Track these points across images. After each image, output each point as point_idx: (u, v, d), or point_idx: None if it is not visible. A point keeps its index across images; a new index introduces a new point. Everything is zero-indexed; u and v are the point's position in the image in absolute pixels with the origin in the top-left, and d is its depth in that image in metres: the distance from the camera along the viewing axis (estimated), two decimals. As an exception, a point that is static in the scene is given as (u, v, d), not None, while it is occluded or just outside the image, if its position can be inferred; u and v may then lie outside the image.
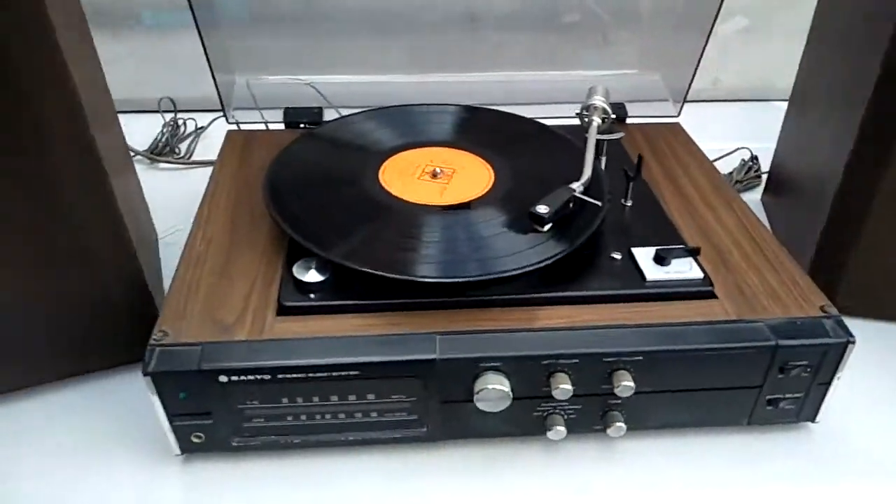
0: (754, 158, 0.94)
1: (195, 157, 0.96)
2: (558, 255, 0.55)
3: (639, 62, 0.87)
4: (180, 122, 1.00)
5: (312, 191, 0.62)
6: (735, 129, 1.07)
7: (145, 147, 0.96)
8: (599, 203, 0.58)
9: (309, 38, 0.86)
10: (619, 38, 0.86)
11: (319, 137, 0.71)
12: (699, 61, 0.79)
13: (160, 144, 0.95)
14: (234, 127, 0.80)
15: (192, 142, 0.99)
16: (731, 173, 0.92)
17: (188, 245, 0.60)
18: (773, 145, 0.86)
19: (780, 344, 0.52)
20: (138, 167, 0.94)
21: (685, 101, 0.83)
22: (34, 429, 0.58)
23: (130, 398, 0.60)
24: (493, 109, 0.77)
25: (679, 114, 0.84)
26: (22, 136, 0.48)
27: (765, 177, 0.92)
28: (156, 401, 0.49)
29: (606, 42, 0.86)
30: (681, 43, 0.82)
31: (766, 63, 1.15)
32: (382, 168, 0.65)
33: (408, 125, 0.73)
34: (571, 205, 0.58)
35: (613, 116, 0.71)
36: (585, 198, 0.58)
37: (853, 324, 0.54)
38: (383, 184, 0.63)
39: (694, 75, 0.80)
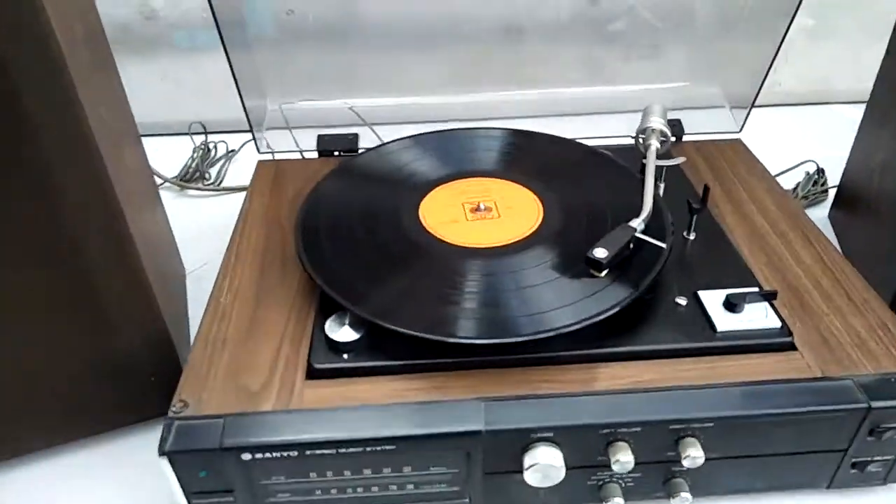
0: (820, 171, 0.86)
1: (227, 183, 0.93)
2: (618, 307, 0.49)
3: (696, 73, 0.81)
4: (211, 145, 0.96)
5: (346, 234, 0.58)
6: (797, 136, 0.99)
7: (175, 173, 0.92)
8: (663, 245, 0.52)
9: (343, 56, 0.82)
10: (674, 47, 0.79)
11: (354, 171, 0.67)
12: (768, 71, 0.72)
13: (190, 170, 0.92)
14: (265, 156, 0.76)
15: (223, 166, 0.95)
16: (795, 188, 0.85)
17: (213, 296, 0.56)
18: (838, 153, 0.79)
19: (873, 406, 0.46)
20: (167, 195, 0.91)
21: (749, 115, 0.75)
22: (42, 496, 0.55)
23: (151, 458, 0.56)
24: (540, 133, 0.71)
25: (741, 129, 0.77)
26: (23, 172, 0.44)
27: (832, 191, 0.84)
28: (173, 480, 0.45)
29: (660, 52, 0.79)
30: (746, 50, 0.75)
31: (826, 64, 1.07)
32: (422, 204, 0.60)
33: (448, 153, 0.68)
34: (631, 245, 0.53)
35: (673, 139, 0.65)
36: (648, 238, 0.52)
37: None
38: (423, 222, 0.58)
39: (761, 87, 0.73)
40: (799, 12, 0.96)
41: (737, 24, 0.77)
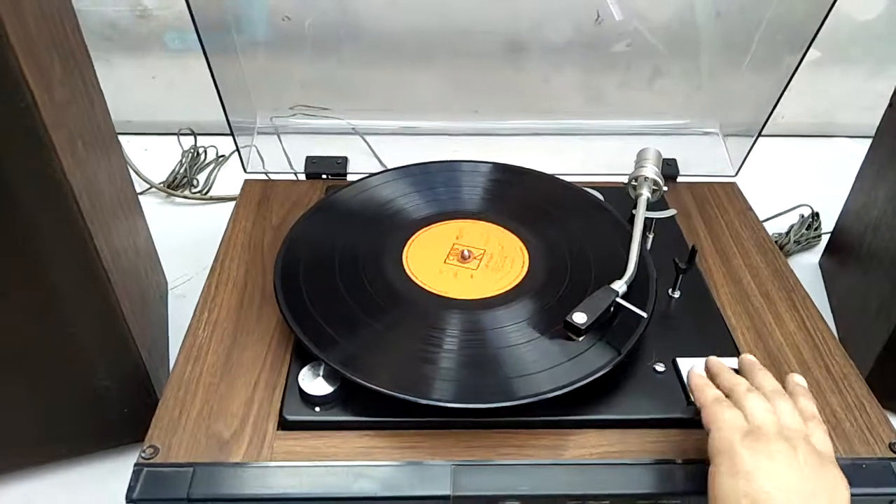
0: (815, 216, 0.85)
1: (215, 191, 0.92)
2: (593, 377, 0.48)
3: (696, 109, 0.80)
4: (201, 149, 0.95)
5: (326, 278, 0.57)
6: (798, 170, 0.99)
7: (164, 177, 0.91)
8: (644, 314, 0.51)
9: (339, 68, 0.80)
10: (675, 80, 0.79)
11: (337, 207, 0.65)
12: (771, 112, 0.71)
13: (178, 175, 0.91)
14: (251, 176, 0.75)
15: (212, 171, 0.94)
16: (789, 230, 0.85)
17: (191, 328, 0.55)
18: (838, 191, 0.78)
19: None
20: (153, 201, 0.90)
21: (746, 159, 0.75)
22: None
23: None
24: (532, 171, 0.70)
25: (737, 173, 0.76)
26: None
27: (826, 237, 0.84)
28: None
29: (660, 84, 0.78)
30: (750, 87, 0.74)
31: (831, 97, 1.06)
32: (407, 248, 0.60)
33: (437, 189, 0.67)
34: (612, 308, 0.52)
35: (665, 189, 0.64)
36: (628, 305, 0.52)
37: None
38: (407, 269, 0.58)
39: (761, 131, 0.72)
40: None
41: (744, 58, 0.76)
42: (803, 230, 0.84)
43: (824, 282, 0.81)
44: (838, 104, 1.08)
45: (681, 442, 0.48)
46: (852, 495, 0.45)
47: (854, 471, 0.47)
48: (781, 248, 0.82)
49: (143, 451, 0.46)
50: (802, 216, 0.87)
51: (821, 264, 0.83)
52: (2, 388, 0.51)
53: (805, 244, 0.84)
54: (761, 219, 0.71)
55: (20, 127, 0.41)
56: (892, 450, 0.49)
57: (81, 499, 0.58)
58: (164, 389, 0.51)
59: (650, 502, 0.46)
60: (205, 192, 0.91)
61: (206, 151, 0.96)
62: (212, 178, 0.93)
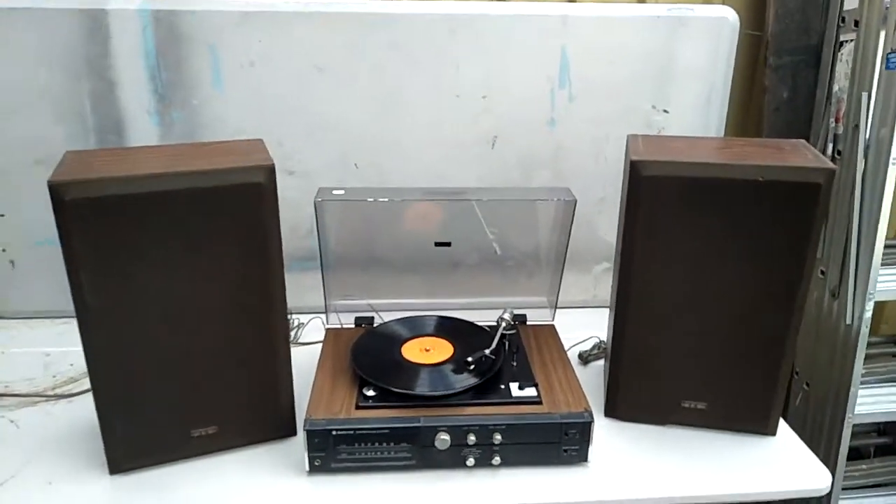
0: (602, 342, 1.70)
1: (302, 339, 1.76)
2: (475, 384, 1.31)
3: (536, 290, 1.67)
4: (296, 321, 1.80)
5: (371, 356, 1.40)
6: (597, 324, 1.84)
7: (274, 334, 1.75)
8: (493, 357, 1.34)
9: (371, 276, 1.67)
10: (526, 281, 1.67)
11: (374, 332, 1.50)
12: (558, 294, 1.59)
13: (283, 332, 1.74)
14: (329, 326, 1.60)
15: (297, 331, 1.78)
16: (589, 349, 1.68)
17: (315, 383, 1.36)
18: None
19: (564, 422, 1.26)
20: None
21: (555, 310, 1.61)
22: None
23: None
24: (455, 318, 1.56)
25: (553, 319, 1.62)
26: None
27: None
28: (304, 443, 1.23)
29: (518, 282, 1.67)
30: (553, 283, 1.62)
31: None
32: (403, 347, 1.44)
33: (416, 326, 1.52)
34: (483, 358, 1.35)
35: (514, 322, 1.49)
36: (489, 355, 1.35)
37: (621, 424, 1.28)
38: (404, 354, 1.41)
39: (557, 300, 1.59)
40: (601, 259, 1.85)
41: (548, 269, 1.64)
42: (592, 350, 1.67)
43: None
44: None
45: (507, 410, 1.28)
46: (568, 423, 1.26)
47: (569, 415, 1.27)
48: (587, 358, 1.65)
49: (306, 416, 1.26)
50: (595, 342, 1.70)
51: (603, 367, 1.66)
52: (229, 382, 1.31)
53: (595, 356, 1.67)
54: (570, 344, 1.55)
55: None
56: (584, 409, 1.29)
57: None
58: (308, 402, 1.31)
59: (493, 426, 1.25)
60: (295, 341, 1.75)
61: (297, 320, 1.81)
62: (298, 335, 1.77)
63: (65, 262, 1.11)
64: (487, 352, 1.36)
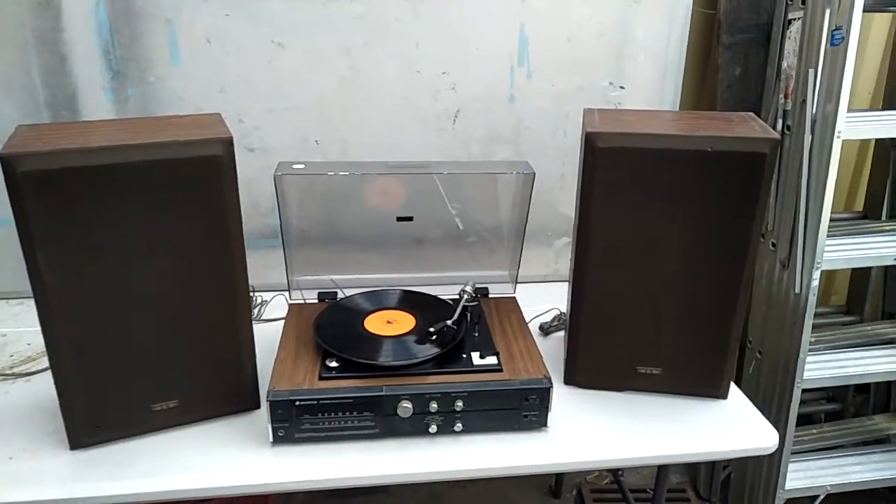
0: (562, 314, 1.73)
1: (265, 316, 1.76)
2: (436, 353, 1.33)
3: (498, 264, 1.70)
4: (259, 298, 1.80)
5: (334, 329, 1.41)
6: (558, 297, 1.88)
7: (236, 312, 1.75)
8: (455, 327, 1.37)
9: (333, 253, 1.68)
10: (491, 253, 1.69)
11: (337, 305, 1.51)
12: (518, 266, 1.61)
13: (246, 310, 1.74)
14: (293, 302, 1.60)
15: (261, 308, 1.78)
16: (549, 321, 1.71)
17: (278, 356, 1.37)
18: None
19: (523, 388, 1.29)
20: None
21: (516, 284, 1.64)
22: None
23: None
24: (417, 291, 1.58)
25: (514, 292, 1.65)
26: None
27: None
28: (268, 415, 1.24)
29: (482, 255, 1.69)
30: (514, 257, 1.65)
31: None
32: (366, 320, 1.45)
33: (379, 300, 1.54)
34: (445, 328, 1.37)
35: (475, 294, 1.52)
36: (451, 325, 1.37)
37: (580, 391, 1.32)
38: (367, 326, 1.43)
39: (517, 273, 1.62)
40: (563, 234, 1.88)
41: (510, 243, 1.66)
42: (553, 322, 1.71)
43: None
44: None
45: (468, 378, 1.31)
46: (526, 389, 1.29)
47: (529, 381, 1.30)
48: (547, 329, 1.69)
49: (269, 388, 1.26)
50: (555, 314, 1.74)
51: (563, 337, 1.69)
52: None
53: (555, 327, 1.70)
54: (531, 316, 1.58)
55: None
56: (543, 375, 1.32)
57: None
58: (272, 373, 1.32)
59: (455, 393, 1.28)
60: (258, 317, 1.75)
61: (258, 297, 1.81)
62: (261, 311, 1.77)
63: (19, 238, 1.10)
64: (449, 322, 1.39)
